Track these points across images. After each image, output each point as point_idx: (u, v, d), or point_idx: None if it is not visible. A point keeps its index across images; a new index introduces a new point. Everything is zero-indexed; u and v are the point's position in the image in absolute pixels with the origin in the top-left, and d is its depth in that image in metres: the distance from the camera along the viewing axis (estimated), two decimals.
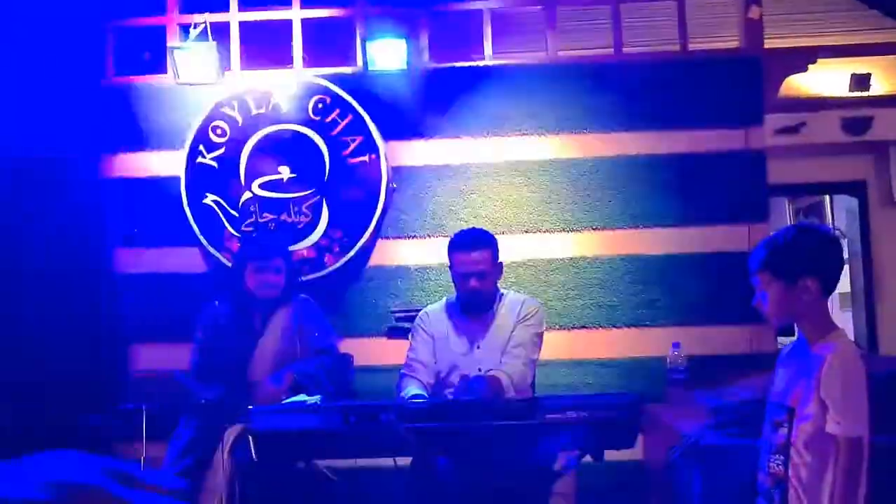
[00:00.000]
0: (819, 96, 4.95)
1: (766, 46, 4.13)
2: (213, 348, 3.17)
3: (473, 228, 3.19)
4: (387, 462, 2.71)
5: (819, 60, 4.22)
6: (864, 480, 1.88)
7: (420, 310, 3.28)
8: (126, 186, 4.09)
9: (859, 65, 4.85)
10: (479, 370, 3.00)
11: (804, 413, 1.91)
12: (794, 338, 4.52)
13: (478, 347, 3.05)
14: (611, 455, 2.54)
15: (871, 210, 5.26)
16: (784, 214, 6.40)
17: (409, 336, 3.20)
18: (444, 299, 3.22)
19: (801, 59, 4.17)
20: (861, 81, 4.82)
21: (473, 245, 3.01)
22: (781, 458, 1.93)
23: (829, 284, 1.98)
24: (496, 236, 3.16)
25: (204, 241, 4.00)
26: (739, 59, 4.09)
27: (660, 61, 4.18)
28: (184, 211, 4.01)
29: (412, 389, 2.94)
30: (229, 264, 3.72)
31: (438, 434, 2.41)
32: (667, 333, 3.77)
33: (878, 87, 4.89)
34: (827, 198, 6.11)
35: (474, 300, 3.05)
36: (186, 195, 4.02)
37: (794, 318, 2.02)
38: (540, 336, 3.09)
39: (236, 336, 3.17)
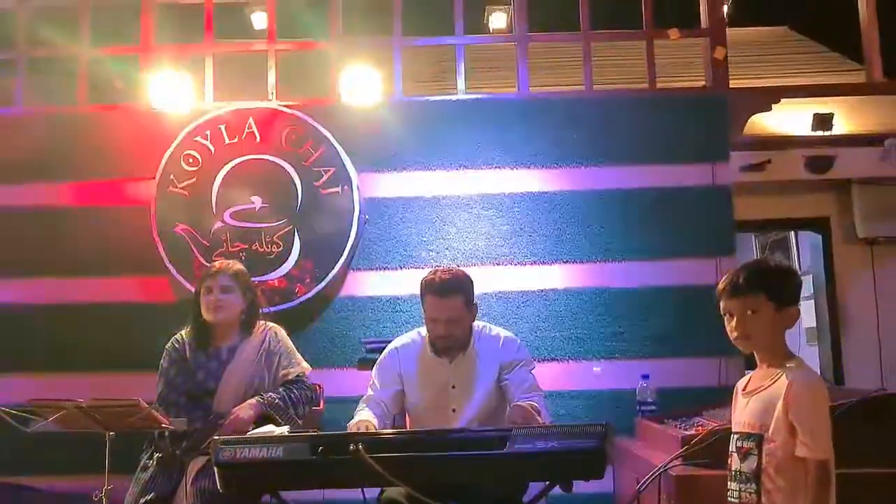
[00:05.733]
0: (783, 135, 5.09)
1: (731, 86, 4.24)
2: (178, 378, 3.12)
3: (447, 271, 3.01)
4: (355, 494, 2.68)
5: (783, 100, 4.34)
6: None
7: (390, 341, 3.24)
8: (96, 214, 4.05)
9: (822, 105, 4.99)
10: (453, 411, 2.97)
11: (774, 439, 1.93)
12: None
13: (453, 387, 2.99)
14: (581, 487, 2.54)
15: (835, 246, 5.37)
16: (751, 250, 6.51)
17: (373, 370, 3.14)
18: (416, 332, 3.13)
19: (766, 98, 4.28)
20: (824, 121, 4.96)
21: (445, 292, 2.92)
22: (754, 486, 1.94)
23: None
24: (467, 268, 3.16)
25: (173, 271, 3.96)
26: (706, 97, 4.19)
27: (629, 98, 4.27)
28: (154, 240, 3.98)
29: (363, 413, 2.89)
30: None
31: (408, 464, 2.38)
32: (636, 365, 3.79)
33: (840, 127, 5.03)
34: (792, 234, 6.24)
35: (444, 345, 2.99)
36: (157, 224, 3.99)
37: (769, 344, 2.02)
38: (533, 366, 3.06)
39: (202, 366, 3.13)
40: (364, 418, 2.86)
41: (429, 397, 3.00)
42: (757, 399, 2.01)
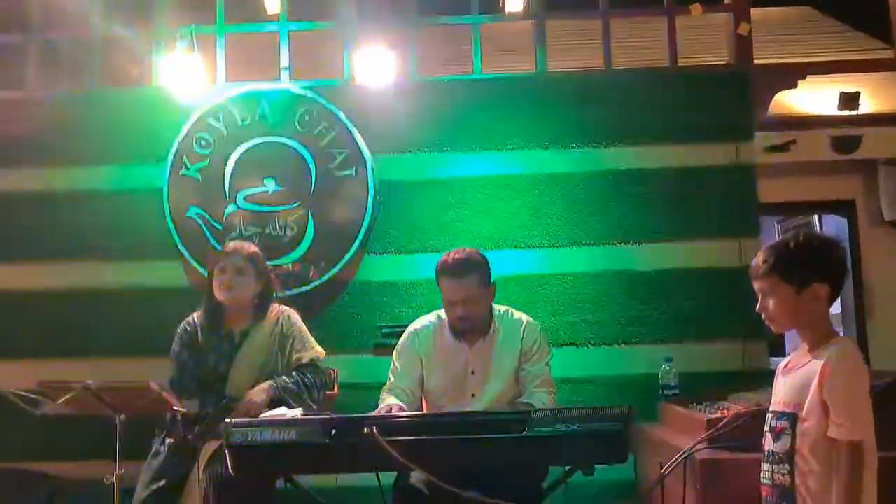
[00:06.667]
0: (808, 115, 4.96)
1: (755, 63, 4.12)
2: (190, 361, 3.07)
3: (461, 251, 2.98)
4: (369, 478, 2.62)
5: (808, 77, 4.21)
6: (873, 488, 1.81)
7: (407, 326, 3.17)
8: (108, 197, 4.00)
9: (848, 83, 4.86)
10: (473, 396, 2.91)
11: (808, 418, 1.85)
12: (781, 358, 4.41)
13: (472, 372, 2.93)
14: (601, 474, 2.47)
15: (861, 229, 5.24)
16: (773, 234, 6.37)
17: (393, 355, 3.08)
18: (436, 315, 3.07)
19: (791, 76, 4.15)
20: (850, 100, 4.83)
21: (460, 272, 2.87)
22: (787, 467, 1.87)
23: (836, 291, 1.94)
24: (485, 252, 3.08)
25: (186, 255, 3.91)
26: (729, 74, 4.08)
27: (650, 76, 4.16)
28: (167, 224, 3.93)
29: (391, 399, 2.84)
30: None
31: (424, 448, 2.32)
32: (657, 350, 3.71)
33: (866, 106, 4.90)
34: (816, 217, 6.10)
35: (463, 327, 2.94)
36: (169, 208, 3.94)
37: (798, 325, 1.96)
38: (550, 356, 3.00)
39: (214, 349, 3.08)
40: (391, 403, 2.80)
41: (447, 382, 2.93)
42: (794, 377, 1.94)
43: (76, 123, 4.07)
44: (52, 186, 4.03)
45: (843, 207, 5.33)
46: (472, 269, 2.89)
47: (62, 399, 2.61)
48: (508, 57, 5.03)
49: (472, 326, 2.92)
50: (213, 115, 3.99)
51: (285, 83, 4.10)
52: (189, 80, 3.99)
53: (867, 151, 4.91)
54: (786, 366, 2.01)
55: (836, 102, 4.87)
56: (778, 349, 4.51)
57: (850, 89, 4.84)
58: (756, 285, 2.00)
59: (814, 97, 4.92)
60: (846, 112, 4.85)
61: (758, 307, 2.00)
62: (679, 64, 4.17)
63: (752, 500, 2.01)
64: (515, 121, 4.03)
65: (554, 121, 4.02)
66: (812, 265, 1.94)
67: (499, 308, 3.03)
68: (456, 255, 2.92)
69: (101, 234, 3.98)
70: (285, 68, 4.15)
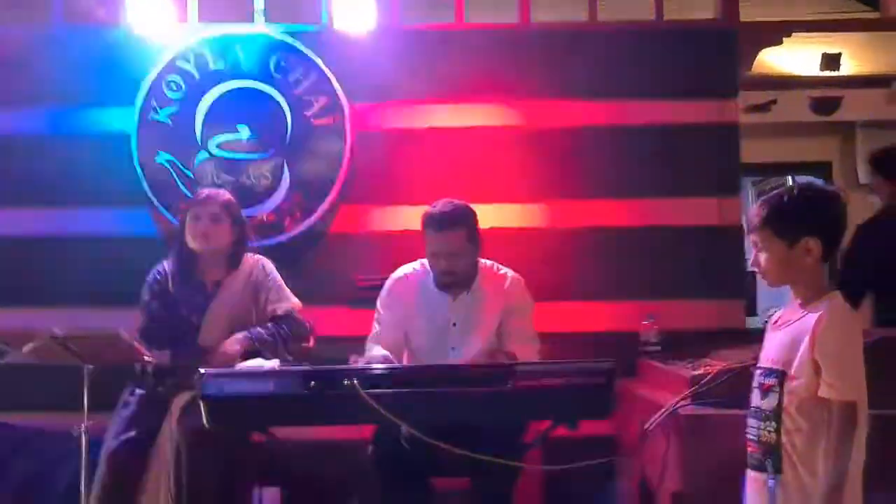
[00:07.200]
0: (789, 75, 4.94)
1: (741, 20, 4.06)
2: (161, 311, 2.99)
3: (448, 202, 2.90)
4: (349, 434, 2.58)
5: (792, 36, 4.16)
6: (863, 450, 1.80)
7: (384, 278, 3.11)
8: (73, 142, 3.84)
9: (830, 44, 4.83)
10: (453, 349, 2.86)
11: (797, 377, 1.83)
12: (758, 316, 4.41)
13: (454, 324, 2.89)
14: (580, 429, 2.45)
15: None
16: (747, 195, 6.38)
17: (377, 304, 3.02)
18: (420, 263, 3.01)
19: (776, 33, 4.10)
20: (831, 61, 4.82)
21: (444, 225, 2.81)
22: (773, 424, 1.84)
23: (831, 246, 1.90)
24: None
25: (155, 202, 3.79)
26: (715, 30, 4.01)
27: (634, 30, 4.08)
28: (134, 170, 3.79)
29: (378, 350, 2.78)
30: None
31: (404, 401, 2.27)
32: (636, 307, 3.68)
33: (848, 68, 4.89)
34: (789, 179, 6.12)
35: (446, 280, 2.88)
36: (137, 154, 3.80)
37: (790, 280, 1.93)
38: (533, 311, 2.98)
39: (186, 299, 2.99)
40: (378, 354, 2.74)
41: (428, 333, 2.88)
42: (783, 334, 1.91)
43: (38, 62, 3.87)
44: (13, 128, 3.86)
45: (819, 169, 5.36)
46: (460, 222, 2.83)
47: (27, 348, 2.52)
48: (493, 8, 4.91)
49: (455, 280, 2.86)
50: (184, 58, 3.83)
51: (261, 26, 3.95)
52: (159, 19, 3.82)
53: (846, 114, 4.94)
54: (776, 321, 1.98)
55: (818, 63, 4.86)
56: (750, 308, 4.54)
57: (832, 50, 4.82)
58: (751, 239, 1.96)
59: (795, 58, 4.90)
60: (827, 73, 4.84)
61: (751, 261, 1.96)
62: (665, 19, 4.09)
63: (736, 457, 2.00)
64: (497, 72, 3.93)
65: (536, 73, 3.92)
66: (805, 218, 1.89)
67: (484, 262, 2.98)
68: (443, 207, 2.85)
69: (65, 180, 3.82)
70: (261, 10, 3.98)
